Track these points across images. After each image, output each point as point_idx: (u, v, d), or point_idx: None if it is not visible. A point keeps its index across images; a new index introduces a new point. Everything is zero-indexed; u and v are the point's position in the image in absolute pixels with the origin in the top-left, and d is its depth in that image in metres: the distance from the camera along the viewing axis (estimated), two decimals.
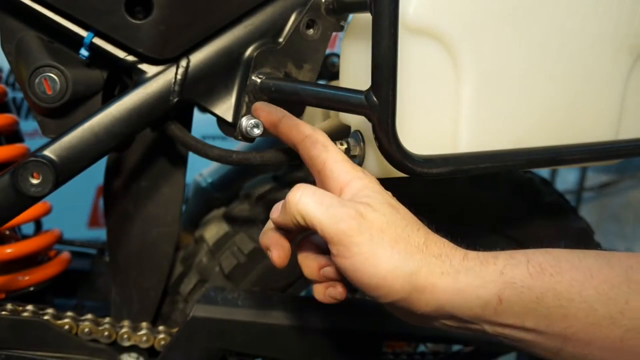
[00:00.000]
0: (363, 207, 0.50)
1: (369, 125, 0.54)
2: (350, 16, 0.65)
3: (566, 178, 2.32)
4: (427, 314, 0.50)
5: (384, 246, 0.49)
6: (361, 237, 0.48)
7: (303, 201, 0.50)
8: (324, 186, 0.55)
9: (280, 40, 0.66)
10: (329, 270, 0.55)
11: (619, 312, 0.47)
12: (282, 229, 0.55)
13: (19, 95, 1.71)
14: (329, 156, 0.54)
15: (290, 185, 0.83)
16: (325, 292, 0.55)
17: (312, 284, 0.57)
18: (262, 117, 0.60)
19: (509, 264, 0.49)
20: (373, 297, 0.50)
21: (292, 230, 0.54)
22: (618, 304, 0.47)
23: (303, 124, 0.57)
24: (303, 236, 0.57)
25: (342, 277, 0.54)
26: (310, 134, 0.56)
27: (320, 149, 0.55)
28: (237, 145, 0.95)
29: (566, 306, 0.47)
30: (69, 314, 0.78)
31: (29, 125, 1.31)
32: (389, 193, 0.54)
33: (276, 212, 0.54)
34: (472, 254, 0.51)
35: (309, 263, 0.56)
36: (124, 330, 0.77)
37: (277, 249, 0.55)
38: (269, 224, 0.56)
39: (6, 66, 1.64)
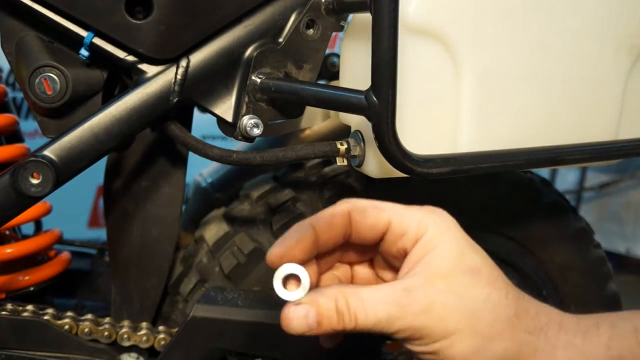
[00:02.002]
0: (436, 294, 0.42)
1: (369, 125, 0.54)
2: (350, 16, 0.65)
3: (566, 178, 2.32)
4: None
5: (464, 330, 0.42)
6: (445, 313, 0.42)
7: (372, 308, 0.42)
8: (389, 248, 0.46)
9: (280, 40, 0.66)
10: None
11: None
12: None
13: (19, 95, 1.71)
14: (388, 211, 0.45)
15: (290, 185, 0.83)
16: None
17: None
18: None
19: (615, 334, 0.42)
20: None
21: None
22: None
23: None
24: None
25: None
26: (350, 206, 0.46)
27: (372, 210, 0.45)
28: (237, 145, 0.95)
29: None
30: (69, 314, 0.78)
31: (29, 125, 1.31)
32: (466, 236, 0.45)
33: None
34: (569, 321, 0.43)
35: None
36: (124, 330, 0.77)
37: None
38: None
39: (6, 66, 1.64)
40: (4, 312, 0.75)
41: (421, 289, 0.42)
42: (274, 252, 0.45)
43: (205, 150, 0.65)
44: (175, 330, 0.78)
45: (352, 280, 0.51)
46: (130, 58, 0.64)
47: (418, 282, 0.43)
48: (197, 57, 0.65)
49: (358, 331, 0.43)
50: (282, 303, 0.46)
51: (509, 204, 0.88)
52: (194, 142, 0.66)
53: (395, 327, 0.43)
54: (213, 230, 0.85)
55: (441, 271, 0.43)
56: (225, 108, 0.66)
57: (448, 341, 0.42)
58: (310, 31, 0.66)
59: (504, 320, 0.42)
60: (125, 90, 0.65)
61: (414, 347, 0.44)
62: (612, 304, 0.93)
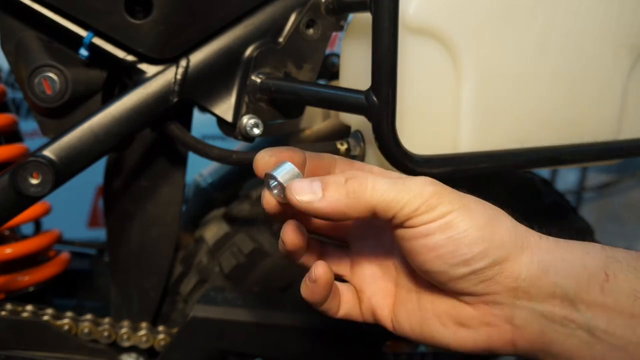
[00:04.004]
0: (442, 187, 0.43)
1: (369, 125, 0.54)
2: (350, 16, 0.65)
3: (566, 178, 2.32)
4: (523, 289, 0.42)
5: (475, 201, 0.43)
6: (451, 194, 0.42)
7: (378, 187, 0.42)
8: None
9: (280, 40, 0.66)
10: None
11: None
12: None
13: (19, 95, 1.71)
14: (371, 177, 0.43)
15: None
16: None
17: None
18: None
19: (607, 246, 0.43)
20: (461, 260, 0.41)
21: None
22: None
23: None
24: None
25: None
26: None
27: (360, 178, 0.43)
28: (237, 145, 0.95)
29: None
30: (69, 314, 0.78)
31: (29, 125, 1.31)
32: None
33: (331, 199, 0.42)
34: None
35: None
36: (123, 330, 0.77)
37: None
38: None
39: (6, 66, 1.63)
40: (3, 312, 0.75)
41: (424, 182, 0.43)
42: (264, 150, 0.46)
43: (205, 150, 0.65)
44: (175, 330, 0.78)
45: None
46: (130, 58, 0.64)
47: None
48: (197, 57, 0.65)
49: (363, 212, 0.42)
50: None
51: (509, 204, 0.88)
52: (194, 142, 0.66)
53: (402, 202, 0.41)
54: (213, 230, 0.85)
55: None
56: (225, 108, 0.66)
57: (469, 211, 0.42)
58: (310, 31, 0.66)
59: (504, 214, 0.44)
60: (125, 90, 0.65)
61: (413, 228, 0.42)
62: None
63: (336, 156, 0.49)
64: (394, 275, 0.49)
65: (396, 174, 0.48)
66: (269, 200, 0.46)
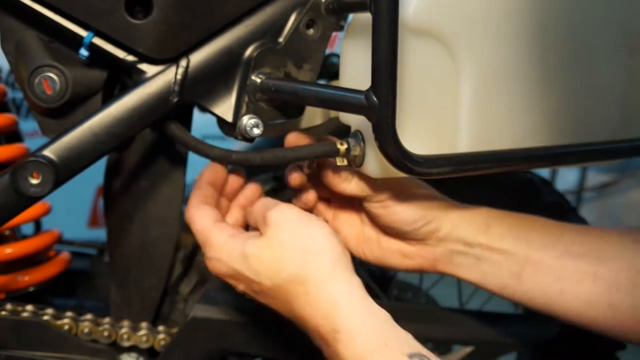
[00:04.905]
0: None
1: (369, 125, 0.54)
2: (350, 16, 0.65)
3: (566, 178, 2.32)
4: (442, 237, 0.67)
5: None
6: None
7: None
8: None
9: (280, 40, 0.66)
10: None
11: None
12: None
13: (19, 95, 1.71)
14: None
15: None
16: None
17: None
18: None
19: (491, 209, 0.70)
20: (409, 221, 0.66)
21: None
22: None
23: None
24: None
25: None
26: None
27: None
28: (237, 146, 0.95)
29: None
30: (69, 314, 0.78)
31: (29, 125, 1.31)
32: None
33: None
34: None
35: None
36: (123, 330, 0.77)
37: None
38: None
39: (6, 66, 1.64)
40: (3, 312, 0.75)
41: None
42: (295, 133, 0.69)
43: (205, 150, 0.65)
44: (175, 330, 0.78)
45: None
46: (130, 58, 0.64)
47: None
48: (197, 57, 0.65)
49: (358, 194, 0.66)
50: None
51: (509, 204, 0.88)
52: (194, 142, 0.65)
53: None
54: None
55: None
56: (225, 108, 0.66)
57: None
58: (310, 31, 0.66)
59: None
60: (125, 90, 0.65)
61: (380, 202, 0.66)
62: None
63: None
64: (360, 224, 0.71)
65: None
66: (297, 177, 0.66)
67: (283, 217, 0.57)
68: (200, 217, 0.61)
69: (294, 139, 0.66)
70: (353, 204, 0.71)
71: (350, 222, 0.72)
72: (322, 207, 0.72)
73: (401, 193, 0.65)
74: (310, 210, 0.69)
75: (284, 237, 0.56)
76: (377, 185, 0.64)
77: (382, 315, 0.55)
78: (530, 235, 0.67)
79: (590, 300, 0.64)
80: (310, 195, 0.68)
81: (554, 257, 0.65)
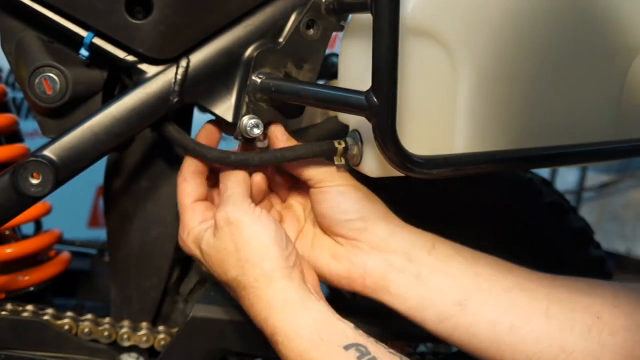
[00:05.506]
0: None
1: (368, 124, 0.54)
2: (350, 16, 0.65)
3: (566, 178, 2.32)
4: (377, 243, 0.63)
5: (360, 184, 0.66)
6: (346, 175, 0.66)
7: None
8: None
9: (280, 40, 0.66)
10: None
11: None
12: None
13: (19, 95, 1.71)
14: None
15: None
16: None
17: None
18: None
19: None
20: (342, 210, 0.64)
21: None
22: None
23: None
24: None
25: None
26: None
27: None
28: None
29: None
30: (69, 314, 0.78)
31: (29, 125, 1.31)
32: None
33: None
34: None
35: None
36: (123, 330, 0.77)
37: None
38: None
39: (6, 66, 1.63)
40: (4, 312, 0.75)
41: None
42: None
43: (203, 152, 0.64)
44: (175, 330, 0.78)
45: None
46: (130, 58, 0.64)
47: None
48: (197, 57, 0.65)
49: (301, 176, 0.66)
50: None
51: (509, 204, 0.88)
52: (191, 144, 0.65)
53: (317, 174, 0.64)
54: None
55: None
56: (225, 108, 0.66)
57: (345, 187, 0.64)
58: (310, 31, 0.66)
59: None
60: (125, 90, 0.65)
61: (320, 188, 0.64)
62: None
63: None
64: (303, 218, 0.69)
65: None
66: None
67: (229, 221, 0.60)
68: (182, 192, 0.66)
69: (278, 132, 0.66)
70: (303, 194, 0.70)
71: (295, 214, 0.70)
72: (273, 195, 0.71)
73: (346, 184, 0.64)
74: (262, 192, 0.67)
75: (227, 242, 0.60)
76: (330, 172, 0.64)
77: (317, 312, 0.57)
78: (480, 264, 0.62)
79: (541, 341, 0.57)
80: (258, 177, 0.66)
81: (504, 289, 0.60)
